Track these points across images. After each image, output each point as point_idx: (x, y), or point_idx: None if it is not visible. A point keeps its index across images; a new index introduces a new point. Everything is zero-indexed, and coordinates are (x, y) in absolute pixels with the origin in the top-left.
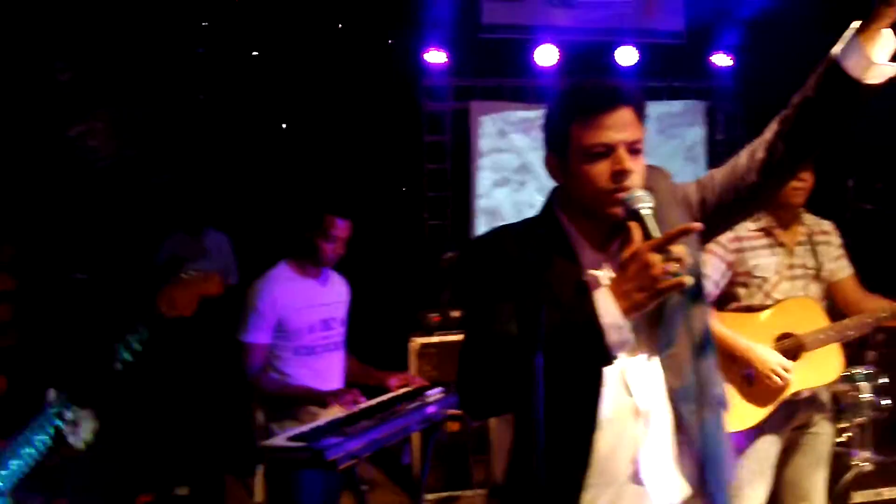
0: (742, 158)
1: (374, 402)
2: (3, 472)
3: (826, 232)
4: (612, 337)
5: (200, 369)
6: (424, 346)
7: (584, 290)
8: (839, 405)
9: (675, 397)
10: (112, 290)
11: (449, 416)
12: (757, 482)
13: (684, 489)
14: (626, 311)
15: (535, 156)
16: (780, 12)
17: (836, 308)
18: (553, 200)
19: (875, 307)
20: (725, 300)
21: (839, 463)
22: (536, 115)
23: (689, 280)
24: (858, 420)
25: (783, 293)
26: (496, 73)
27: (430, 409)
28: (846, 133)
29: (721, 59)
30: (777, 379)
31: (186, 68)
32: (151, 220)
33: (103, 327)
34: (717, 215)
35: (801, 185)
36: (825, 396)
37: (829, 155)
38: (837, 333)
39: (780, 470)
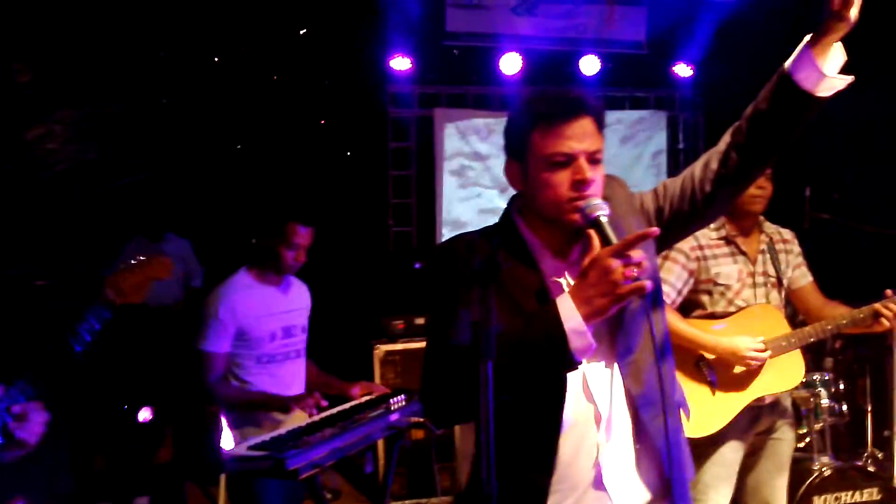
0: (697, 169)
1: (336, 409)
2: None
3: (786, 240)
4: (574, 343)
5: (162, 375)
6: (388, 353)
7: (546, 297)
8: (799, 411)
9: (636, 403)
10: (69, 292)
11: (413, 424)
12: (721, 486)
13: (646, 494)
14: (588, 317)
15: (499, 163)
16: (740, 23)
17: (796, 315)
18: (513, 208)
19: (835, 314)
20: (689, 307)
21: (799, 468)
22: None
23: (648, 284)
24: (818, 426)
25: (745, 300)
26: (460, 80)
27: (394, 417)
28: (803, 143)
29: (682, 69)
30: (752, 362)
31: (148, 72)
32: (111, 224)
33: (53, 320)
34: (673, 224)
35: (760, 192)
36: (788, 402)
37: (786, 164)
38: (799, 340)
39: (743, 475)
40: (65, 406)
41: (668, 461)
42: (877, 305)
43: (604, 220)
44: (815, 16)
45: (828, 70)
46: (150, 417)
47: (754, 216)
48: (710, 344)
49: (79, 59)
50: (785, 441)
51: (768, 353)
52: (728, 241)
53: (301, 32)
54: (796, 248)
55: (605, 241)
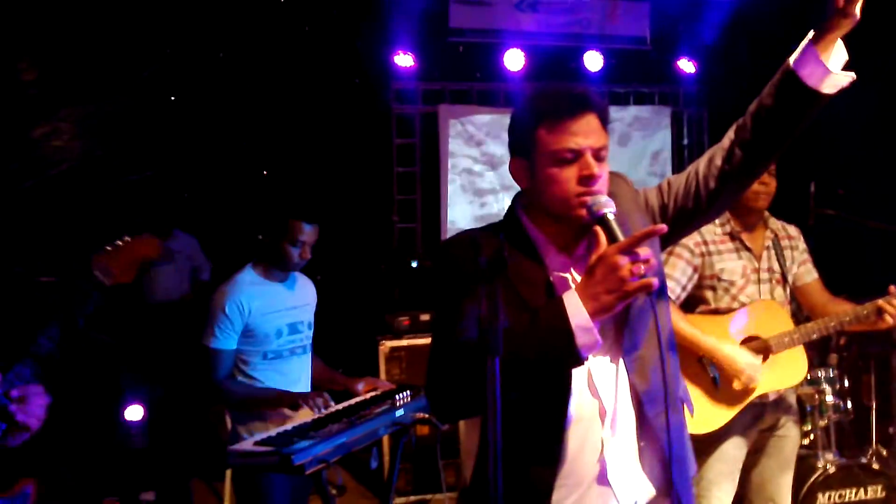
0: (701, 165)
1: (342, 405)
2: None
3: (792, 237)
4: (581, 339)
5: (166, 372)
6: (394, 349)
7: (553, 293)
8: (804, 408)
9: (641, 399)
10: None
11: (418, 420)
12: (724, 483)
13: (650, 490)
14: (595, 314)
15: (504, 159)
16: (743, 18)
17: (801, 311)
18: (517, 204)
19: (840, 311)
20: (693, 303)
21: (803, 465)
22: (505, 118)
23: (655, 282)
24: (822, 423)
25: (749, 296)
26: (464, 76)
27: (399, 413)
28: (808, 139)
29: (685, 65)
30: (744, 381)
31: (153, 69)
32: (118, 221)
33: (43, 305)
34: (678, 220)
35: (764, 188)
36: (792, 399)
37: (791, 160)
38: (803, 336)
39: (747, 472)
40: (64, 396)
41: (668, 457)
42: (880, 302)
43: (611, 216)
44: (819, 11)
45: (832, 66)
46: (142, 416)
47: (759, 212)
48: (707, 347)
49: (84, 56)
50: (789, 438)
51: (760, 377)
52: (733, 236)
53: (305, 29)
54: (801, 245)
55: (611, 237)
